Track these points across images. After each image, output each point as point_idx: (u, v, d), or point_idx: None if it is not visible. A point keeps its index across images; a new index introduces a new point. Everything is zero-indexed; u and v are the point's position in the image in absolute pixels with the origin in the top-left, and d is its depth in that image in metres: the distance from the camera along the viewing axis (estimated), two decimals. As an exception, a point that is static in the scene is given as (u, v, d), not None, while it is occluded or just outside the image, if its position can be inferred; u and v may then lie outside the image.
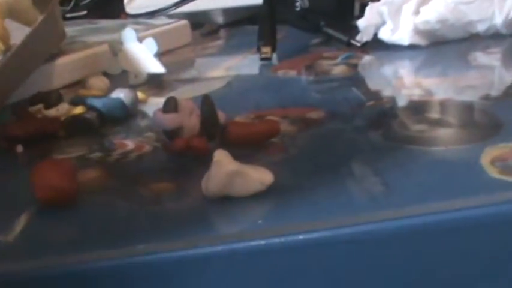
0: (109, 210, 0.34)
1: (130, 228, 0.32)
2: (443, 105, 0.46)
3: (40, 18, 0.52)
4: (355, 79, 0.54)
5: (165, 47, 0.63)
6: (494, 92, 0.47)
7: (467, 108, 0.44)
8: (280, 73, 0.57)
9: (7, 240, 0.32)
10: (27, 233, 0.33)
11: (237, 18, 0.79)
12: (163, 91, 0.54)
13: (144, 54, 0.56)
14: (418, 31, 0.59)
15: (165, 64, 0.56)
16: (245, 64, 0.61)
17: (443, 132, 0.40)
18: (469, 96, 0.46)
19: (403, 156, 0.37)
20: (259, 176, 0.33)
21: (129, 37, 0.56)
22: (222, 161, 0.33)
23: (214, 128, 0.39)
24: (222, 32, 0.77)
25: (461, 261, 0.31)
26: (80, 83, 0.55)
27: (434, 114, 0.44)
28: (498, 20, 0.59)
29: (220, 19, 0.79)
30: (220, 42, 0.73)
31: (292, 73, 0.56)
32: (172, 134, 0.38)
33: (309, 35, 0.68)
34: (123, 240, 0.30)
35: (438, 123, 0.42)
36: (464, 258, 0.31)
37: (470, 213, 0.30)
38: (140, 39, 0.56)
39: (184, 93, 0.52)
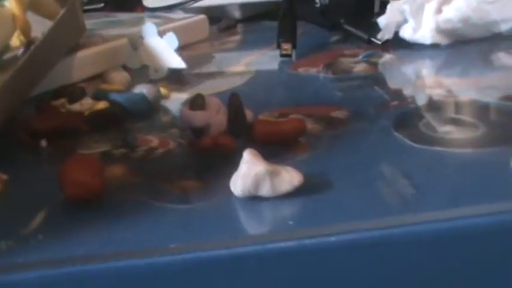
0: (136, 207, 0.34)
1: (159, 227, 0.31)
2: (468, 106, 0.45)
3: (61, 11, 0.52)
4: (377, 78, 0.54)
5: (183, 42, 0.62)
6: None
7: (493, 109, 0.44)
8: (301, 70, 0.56)
9: (32, 237, 0.31)
10: (52, 229, 0.32)
11: (254, 13, 0.79)
12: (185, 87, 0.53)
13: (164, 49, 0.55)
14: (440, 30, 0.59)
15: (184, 59, 0.56)
16: (264, 60, 0.61)
17: (470, 134, 0.40)
18: (492, 97, 0.46)
19: (431, 158, 0.37)
20: (289, 177, 0.33)
21: (149, 32, 0.56)
22: (253, 161, 0.33)
23: (242, 126, 0.38)
24: (239, 27, 0.76)
25: (494, 266, 0.30)
26: (100, 77, 0.55)
27: (460, 116, 0.44)
28: (522, 20, 0.59)
29: (237, 14, 0.78)
30: (237, 37, 0.73)
31: (313, 70, 0.56)
32: (199, 131, 0.38)
33: (327, 32, 0.67)
34: (153, 239, 0.30)
35: (464, 124, 0.42)
36: (497, 263, 0.30)
37: (504, 218, 0.30)
38: (160, 34, 0.56)
39: (206, 89, 0.52)
